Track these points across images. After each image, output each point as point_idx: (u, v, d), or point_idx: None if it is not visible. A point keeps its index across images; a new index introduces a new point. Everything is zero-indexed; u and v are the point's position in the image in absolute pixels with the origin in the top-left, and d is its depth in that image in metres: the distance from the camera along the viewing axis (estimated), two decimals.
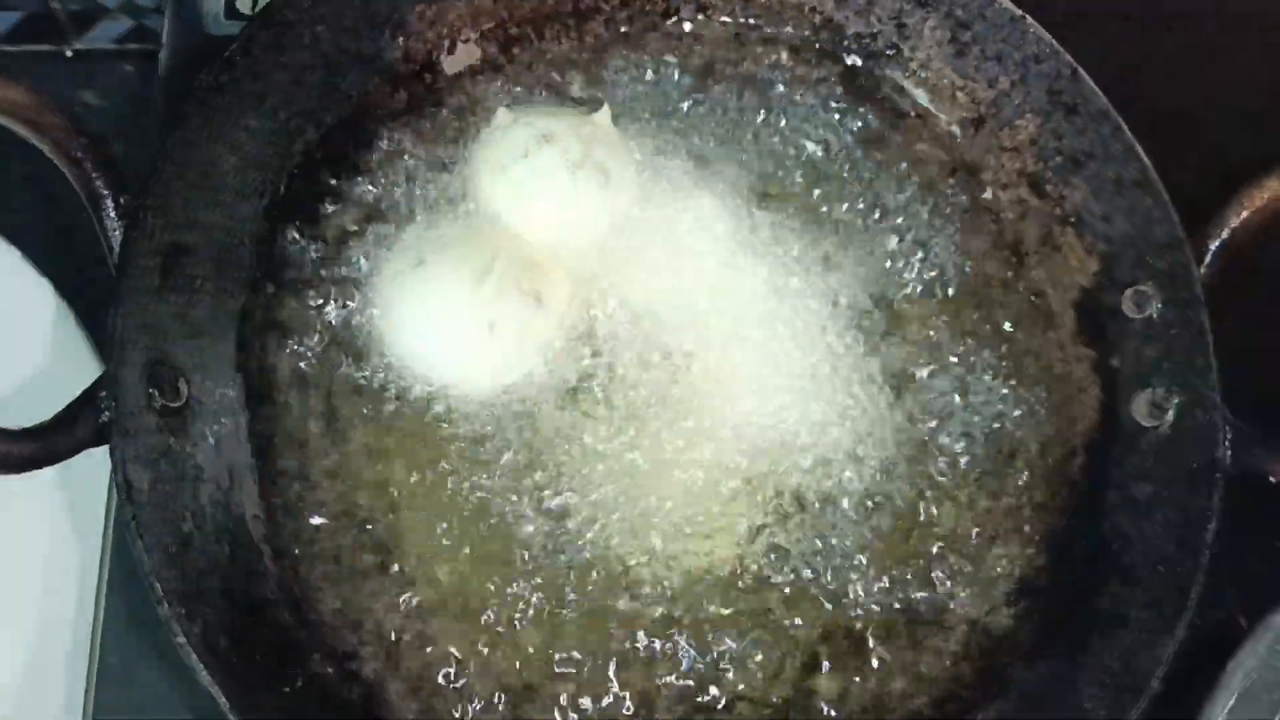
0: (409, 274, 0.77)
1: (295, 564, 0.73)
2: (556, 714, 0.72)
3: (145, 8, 0.96)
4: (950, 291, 0.81)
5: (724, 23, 0.87)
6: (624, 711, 0.72)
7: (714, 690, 0.73)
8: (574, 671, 0.72)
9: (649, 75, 0.84)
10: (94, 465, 0.71)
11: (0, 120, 0.69)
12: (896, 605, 0.75)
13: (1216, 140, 0.91)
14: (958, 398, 0.79)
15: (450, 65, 0.84)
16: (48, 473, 0.70)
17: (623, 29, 0.86)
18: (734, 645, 0.73)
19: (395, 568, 0.73)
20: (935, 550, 0.76)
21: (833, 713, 0.73)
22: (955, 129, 0.86)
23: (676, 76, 0.84)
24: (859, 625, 0.74)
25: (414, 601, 0.73)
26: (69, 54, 0.98)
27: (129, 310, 0.70)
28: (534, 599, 0.73)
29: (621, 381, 0.77)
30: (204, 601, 0.68)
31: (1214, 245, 0.77)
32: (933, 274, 0.82)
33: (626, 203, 0.80)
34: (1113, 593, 0.74)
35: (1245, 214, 0.77)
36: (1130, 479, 0.76)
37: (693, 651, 0.73)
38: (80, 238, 0.74)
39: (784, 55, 0.86)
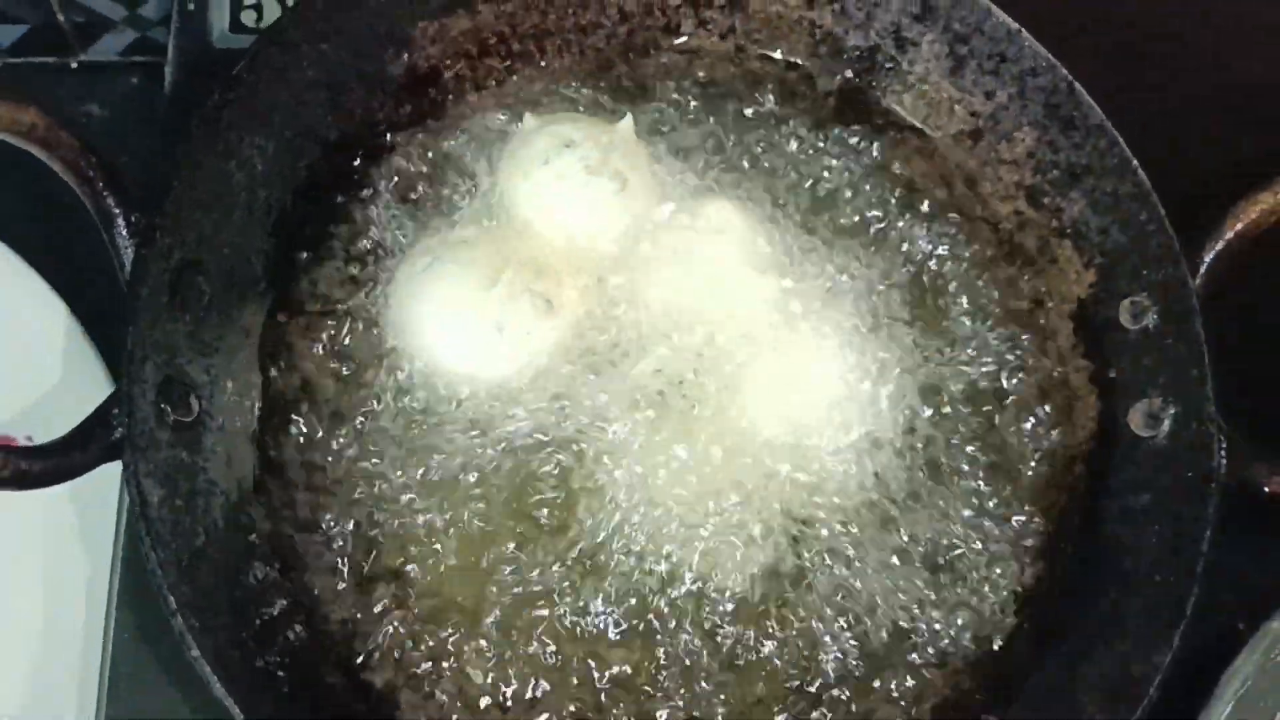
0: (418, 280, 0.77)
1: (305, 575, 0.74)
2: None
3: (150, 21, 0.96)
4: (950, 302, 0.82)
5: (724, 38, 0.87)
6: None
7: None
8: (583, 682, 0.73)
9: (652, 89, 0.85)
10: (103, 479, 0.72)
11: (13, 140, 0.70)
12: (897, 615, 0.75)
13: (1211, 149, 0.92)
14: (961, 407, 0.80)
15: (454, 81, 0.85)
16: (58, 487, 0.70)
17: (624, 44, 0.87)
18: (740, 655, 0.74)
19: (405, 578, 0.74)
20: (936, 560, 0.76)
21: None
22: (952, 142, 0.87)
23: (677, 92, 0.85)
24: (859, 634, 0.75)
25: (424, 611, 0.73)
26: (74, 66, 0.98)
27: (141, 327, 0.70)
28: (545, 608, 0.73)
29: (630, 386, 0.77)
30: (216, 614, 0.68)
31: (1209, 258, 0.77)
32: (934, 285, 0.82)
33: (643, 209, 0.80)
34: (1110, 601, 0.74)
35: (1239, 226, 0.77)
36: (1127, 489, 0.77)
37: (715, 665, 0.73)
38: (92, 256, 0.75)
39: (783, 69, 0.87)
